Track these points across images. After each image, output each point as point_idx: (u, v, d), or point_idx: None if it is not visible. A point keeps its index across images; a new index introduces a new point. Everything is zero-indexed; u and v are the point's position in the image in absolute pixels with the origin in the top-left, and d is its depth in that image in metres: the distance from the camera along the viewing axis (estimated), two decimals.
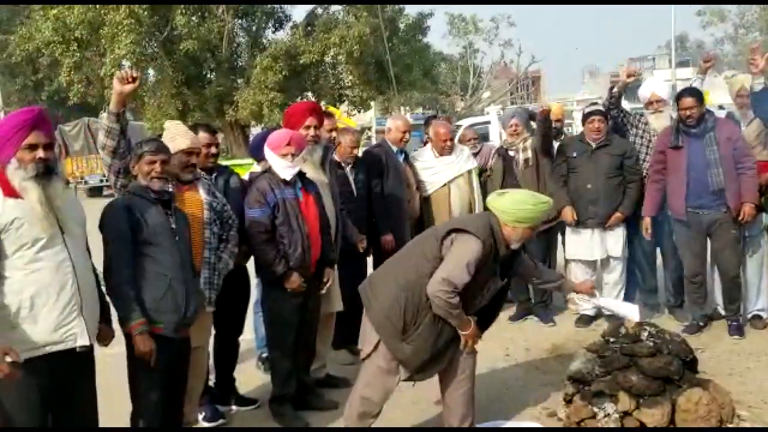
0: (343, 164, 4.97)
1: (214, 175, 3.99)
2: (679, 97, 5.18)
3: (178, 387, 3.35)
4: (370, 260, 5.32)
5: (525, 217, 3.38)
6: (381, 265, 3.96)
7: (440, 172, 5.58)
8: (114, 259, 3.06)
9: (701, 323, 5.36)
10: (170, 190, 3.30)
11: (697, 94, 5.12)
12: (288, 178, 3.86)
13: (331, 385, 4.48)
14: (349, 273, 4.64)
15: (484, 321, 3.62)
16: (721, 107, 8.48)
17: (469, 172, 5.63)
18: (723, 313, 5.43)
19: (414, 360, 3.39)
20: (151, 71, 21.98)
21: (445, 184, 5.55)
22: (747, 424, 3.64)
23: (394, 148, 5.38)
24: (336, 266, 4.35)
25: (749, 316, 5.42)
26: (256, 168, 4.39)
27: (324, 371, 4.53)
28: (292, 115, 4.33)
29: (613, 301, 4.00)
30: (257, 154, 4.27)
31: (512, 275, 3.72)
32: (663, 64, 40.12)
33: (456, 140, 5.89)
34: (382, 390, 3.48)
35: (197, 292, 3.36)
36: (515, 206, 3.39)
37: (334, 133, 4.81)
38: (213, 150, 4.04)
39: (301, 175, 3.97)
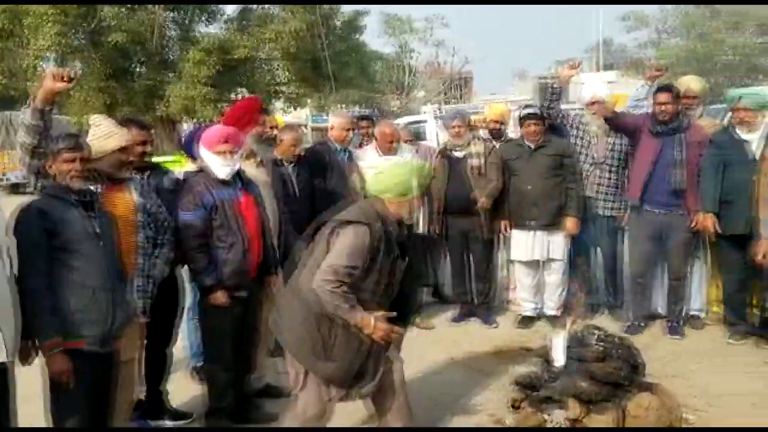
0: (284, 163, 4.76)
1: (147, 174, 3.72)
2: (656, 92, 5.22)
3: (104, 403, 3.08)
4: None
5: (407, 188, 3.18)
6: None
7: None
8: (27, 268, 2.78)
9: (642, 324, 5.41)
10: (93, 189, 3.02)
11: (672, 90, 5.17)
12: (225, 177, 3.63)
13: (271, 395, 4.26)
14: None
15: (403, 312, 3.31)
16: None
17: None
18: (662, 313, 5.49)
19: (341, 375, 3.13)
20: (77, 63, 21.03)
21: None
22: None
23: (338, 147, 5.20)
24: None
25: (687, 316, 5.49)
26: (191, 166, 4.14)
27: (264, 381, 4.31)
28: (246, 112, 4.10)
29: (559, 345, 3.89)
30: (191, 151, 4.01)
31: (413, 255, 3.41)
32: (588, 67, 41.24)
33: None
34: (320, 415, 3.21)
35: (126, 302, 3.10)
36: (392, 181, 3.19)
37: (274, 131, 4.60)
38: (147, 148, 3.75)
39: (239, 174, 3.75)
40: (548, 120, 5.64)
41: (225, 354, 3.74)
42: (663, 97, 5.10)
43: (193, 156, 3.98)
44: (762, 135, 4.72)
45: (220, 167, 3.61)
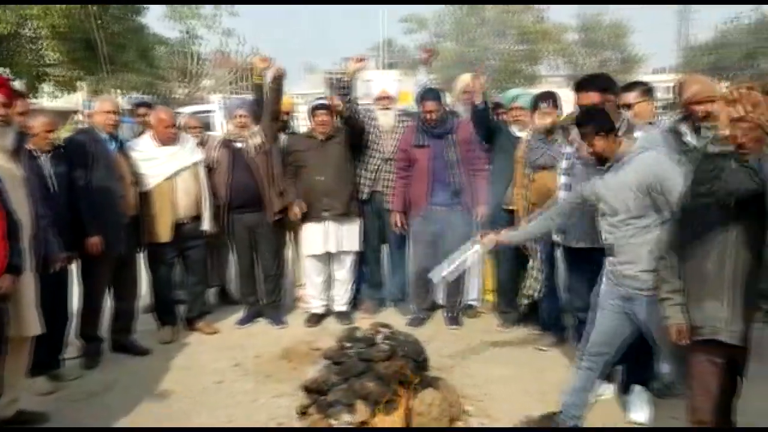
0: (36, 153, 4.14)
1: None
2: (421, 98, 5.32)
3: None
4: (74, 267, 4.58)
5: None
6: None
7: (163, 163, 5.03)
8: None
9: (423, 316, 5.57)
10: None
11: (437, 97, 5.30)
12: None
13: (25, 421, 3.70)
14: (48, 286, 3.87)
15: None
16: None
17: (196, 164, 5.17)
18: (442, 303, 5.69)
19: None
20: None
21: (168, 178, 5.01)
22: (474, 420, 3.74)
23: (103, 135, 4.66)
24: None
25: (464, 306, 5.73)
26: None
27: (15, 406, 3.69)
28: None
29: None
30: None
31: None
32: (372, 65, 42.94)
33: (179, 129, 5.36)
34: None
35: None
36: None
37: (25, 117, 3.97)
38: None
39: None
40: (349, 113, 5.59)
41: None
42: (429, 105, 5.25)
43: None
44: (529, 135, 5.04)
45: None
